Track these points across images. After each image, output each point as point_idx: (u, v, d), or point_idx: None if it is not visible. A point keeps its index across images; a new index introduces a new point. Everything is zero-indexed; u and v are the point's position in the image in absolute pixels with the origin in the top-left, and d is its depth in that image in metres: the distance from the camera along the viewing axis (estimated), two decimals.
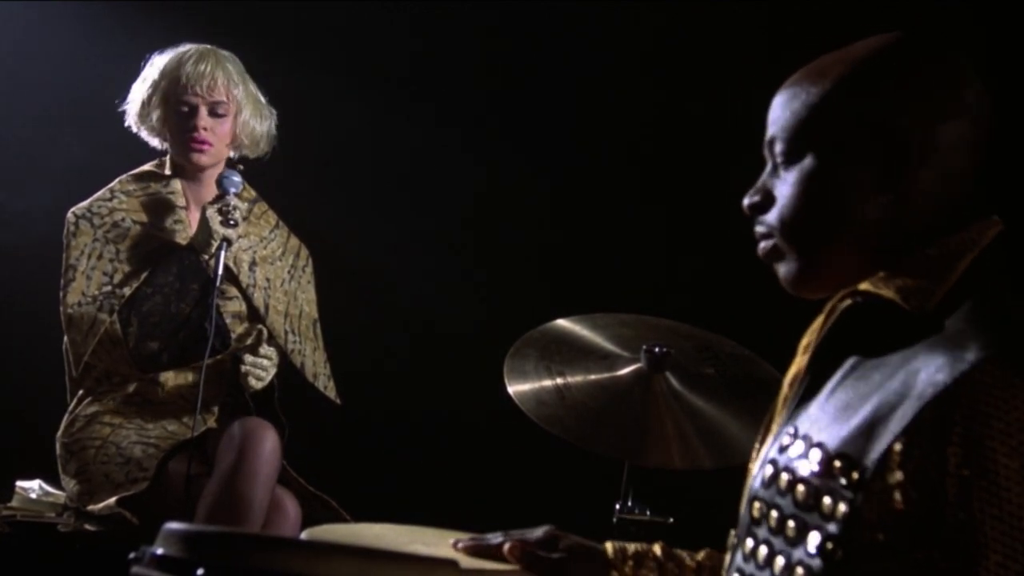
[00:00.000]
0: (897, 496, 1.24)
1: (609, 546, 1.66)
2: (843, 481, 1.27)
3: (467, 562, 1.62)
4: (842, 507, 1.26)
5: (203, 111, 3.06)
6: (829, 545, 1.27)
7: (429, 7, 4.07)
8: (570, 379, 2.58)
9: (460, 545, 1.64)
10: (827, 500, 1.28)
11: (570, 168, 4.08)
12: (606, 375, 2.59)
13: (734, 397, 2.59)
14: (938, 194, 1.39)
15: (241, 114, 3.12)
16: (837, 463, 1.28)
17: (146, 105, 3.10)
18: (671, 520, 2.56)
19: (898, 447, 1.24)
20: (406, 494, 3.74)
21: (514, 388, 2.55)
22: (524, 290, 3.96)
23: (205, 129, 3.05)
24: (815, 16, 3.68)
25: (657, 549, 1.66)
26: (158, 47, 3.17)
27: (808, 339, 1.49)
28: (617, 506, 2.56)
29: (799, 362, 1.48)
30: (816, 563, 1.27)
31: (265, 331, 3.04)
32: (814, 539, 1.28)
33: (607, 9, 4.03)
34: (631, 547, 1.66)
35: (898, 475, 1.24)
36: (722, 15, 3.95)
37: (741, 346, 2.70)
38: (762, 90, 1.53)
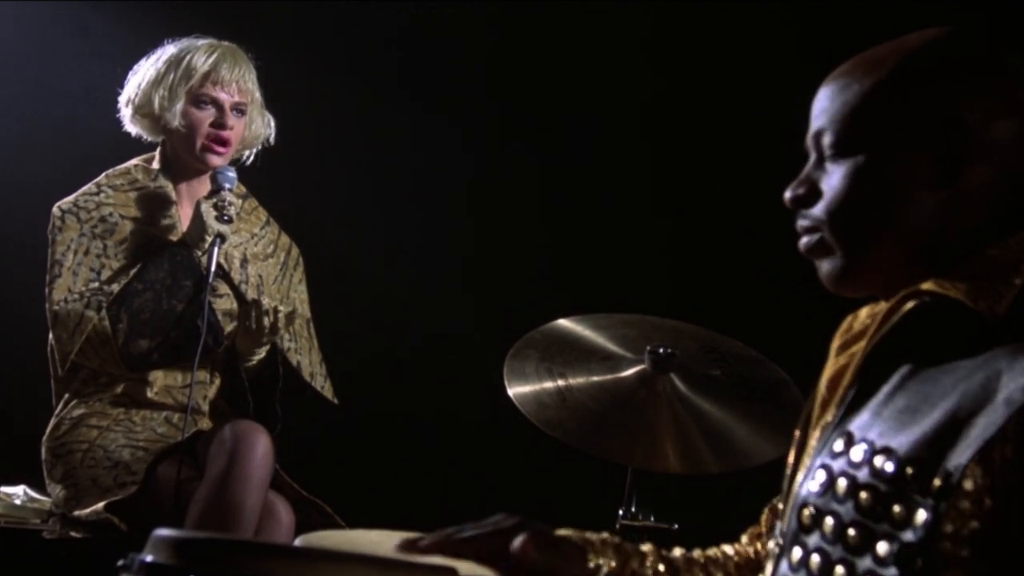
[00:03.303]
0: (981, 504, 1.22)
1: (569, 532, 1.56)
2: (916, 487, 1.25)
3: (466, 569, 1.61)
4: (921, 514, 1.24)
5: (228, 110, 3.07)
6: (907, 554, 1.24)
7: (428, 2, 4.07)
8: (572, 381, 2.58)
9: (423, 544, 1.46)
10: (897, 508, 1.26)
11: (572, 165, 4.08)
12: (609, 377, 2.59)
13: (741, 399, 2.59)
14: (993, 193, 1.38)
15: (253, 118, 3.14)
16: (909, 469, 1.26)
17: (164, 96, 3.06)
18: (675, 526, 2.56)
19: (984, 454, 1.22)
20: (403, 499, 3.74)
21: (514, 390, 2.55)
22: (525, 289, 3.96)
23: (231, 128, 3.07)
24: (819, 17, 3.68)
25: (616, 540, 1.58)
26: (149, 45, 3.16)
27: (840, 340, 1.48)
28: (620, 512, 2.56)
29: (836, 363, 1.46)
30: (891, 572, 1.25)
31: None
32: (884, 548, 1.26)
33: (610, 4, 4.03)
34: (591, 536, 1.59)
35: (983, 482, 1.22)
36: (731, 11, 3.95)
37: (748, 347, 2.70)
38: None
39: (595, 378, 2.59)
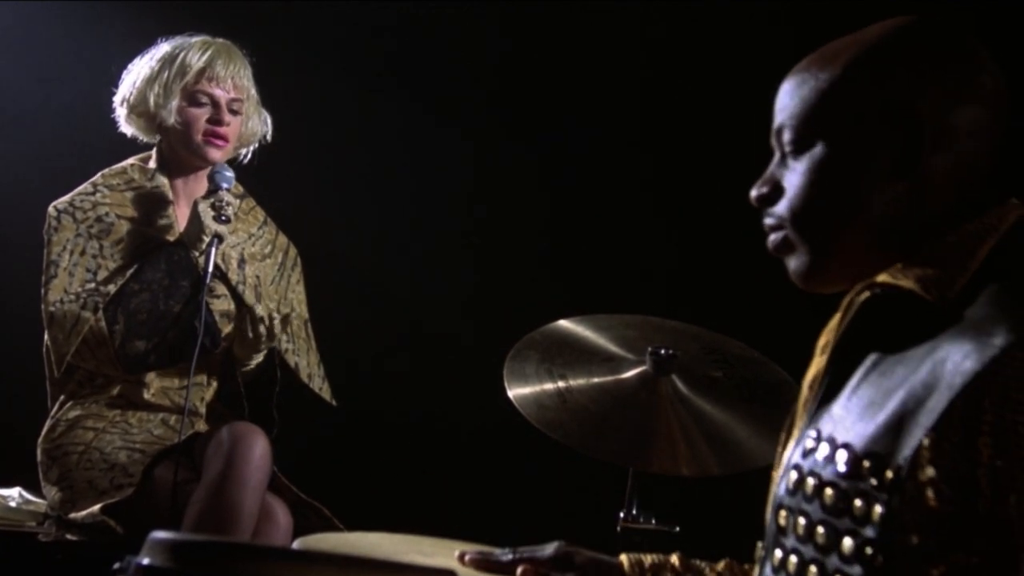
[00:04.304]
0: (932, 494, 1.21)
1: (625, 559, 1.65)
2: (874, 482, 1.25)
3: (465, 572, 1.62)
4: (878, 509, 1.24)
5: (224, 106, 3.07)
6: (868, 550, 1.25)
7: (427, 1, 4.07)
8: (572, 382, 2.57)
9: (468, 558, 1.64)
10: (858, 503, 1.26)
11: (573, 164, 4.08)
12: (610, 378, 2.59)
13: (743, 401, 2.59)
14: (954, 181, 1.38)
15: (249, 115, 3.14)
16: (866, 463, 1.26)
17: (159, 93, 3.06)
18: (677, 529, 2.55)
19: (929, 442, 1.22)
20: (402, 501, 3.74)
21: (514, 391, 2.55)
22: (525, 290, 3.96)
23: (228, 124, 3.07)
24: (821, 12, 3.67)
25: (675, 560, 1.65)
26: (148, 43, 3.16)
27: (826, 339, 1.48)
28: (621, 514, 2.56)
29: (818, 363, 1.47)
30: (856, 570, 1.25)
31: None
32: (848, 545, 1.27)
33: (610, 4, 4.03)
34: (648, 559, 1.65)
35: (931, 471, 1.22)
36: (731, 12, 3.95)
37: (750, 348, 2.70)
38: (772, 86, 1.52)
39: (596, 379, 2.58)
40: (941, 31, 1.42)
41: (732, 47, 3.93)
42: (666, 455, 2.52)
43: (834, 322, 1.49)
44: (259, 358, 3.07)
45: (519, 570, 1.61)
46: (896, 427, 1.26)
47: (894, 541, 1.23)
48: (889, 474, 1.24)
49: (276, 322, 2.99)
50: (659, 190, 4.05)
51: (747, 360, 2.66)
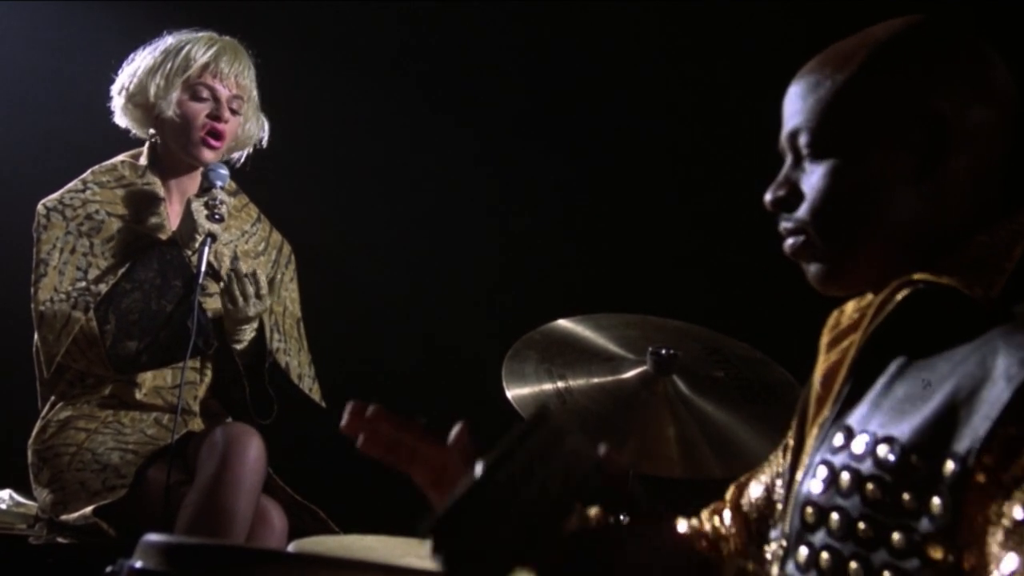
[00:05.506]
0: (1009, 489, 1.20)
1: None
2: (925, 474, 1.25)
3: None
4: (936, 501, 1.24)
5: (224, 103, 3.07)
6: (925, 543, 1.24)
7: (428, 0, 4.08)
8: (572, 382, 2.57)
9: (370, 412, 1.62)
10: (907, 496, 1.26)
11: (574, 163, 4.08)
12: (610, 378, 2.59)
13: (745, 402, 2.59)
14: (975, 182, 1.39)
15: (248, 116, 3.15)
16: (914, 456, 1.26)
17: (160, 84, 3.05)
18: None
19: (995, 432, 1.21)
20: (398, 504, 3.73)
21: (513, 392, 2.55)
22: (524, 289, 3.96)
23: (227, 122, 3.07)
24: (820, 17, 3.67)
25: None
26: (138, 43, 3.16)
27: (830, 336, 1.48)
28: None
29: (827, 359, 1.46)
30: (912, 564, 1.24)
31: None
32: (899, 539, 1.26)
33: (617, 6, 4.04)
34: None
35: (995, 462, 1.21)
36: (741, 11, 3.95)
37: (752, 348, 2.70)
38: (778, 91, 1.52)
39: (596, 380, 2.58)
40: (952, 31, 1.42)
41: (732, 49, 3.93)
42: (666, 456, 2.52)
43: (833, 320, 1.49)
44: (251, 331, 3.05)
45: (455, 432, 1.62)
46: (945, 420, 1.25)
47: (956, 532, 1.22)
48: (950, 465, 1.23)
49: (262, 280, 2.98)
50: (660, 190, 4.05)
51: (749, 360, 2.66)
